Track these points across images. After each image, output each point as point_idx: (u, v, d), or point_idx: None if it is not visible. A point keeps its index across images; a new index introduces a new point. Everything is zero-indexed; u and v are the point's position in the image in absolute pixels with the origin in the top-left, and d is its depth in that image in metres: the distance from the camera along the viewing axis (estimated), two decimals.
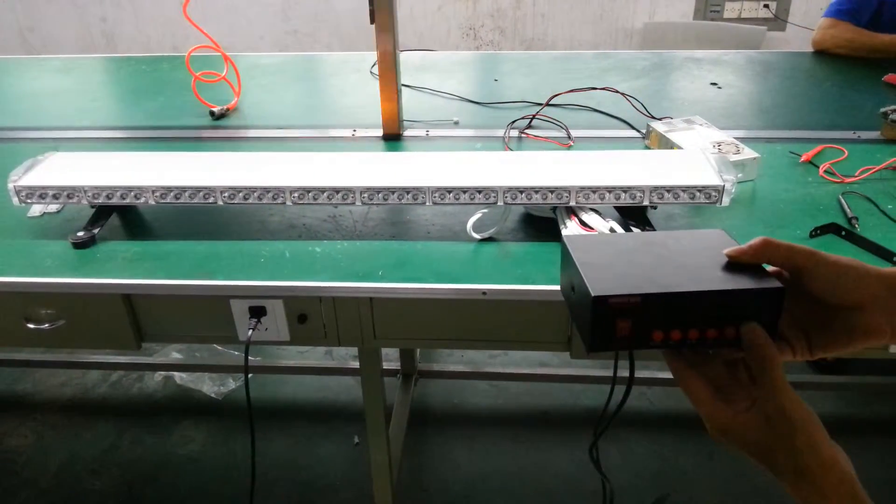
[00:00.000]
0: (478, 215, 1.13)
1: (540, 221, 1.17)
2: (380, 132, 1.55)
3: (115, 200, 1.13)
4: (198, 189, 1.11)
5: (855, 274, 0.56)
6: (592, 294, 0.55)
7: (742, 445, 0.56)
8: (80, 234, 1.13)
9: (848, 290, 0.55)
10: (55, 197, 1.13)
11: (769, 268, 0.59)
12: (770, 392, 0.54)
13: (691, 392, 0.58)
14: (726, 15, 3.23)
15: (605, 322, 0.56)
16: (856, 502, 0.52)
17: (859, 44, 1.99)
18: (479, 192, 1.08)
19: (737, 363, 0.60)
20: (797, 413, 0.53)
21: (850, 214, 1.14)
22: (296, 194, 1.10)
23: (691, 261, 0.59)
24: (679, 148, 1.31)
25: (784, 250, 0.57)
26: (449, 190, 1.08)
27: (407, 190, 1.09)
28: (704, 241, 0.62)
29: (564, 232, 1.07)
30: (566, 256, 0.62)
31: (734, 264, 0.58)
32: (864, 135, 1.47)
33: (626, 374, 0.64)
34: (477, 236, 1.12)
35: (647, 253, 0.61)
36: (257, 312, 1.08)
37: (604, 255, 0.60)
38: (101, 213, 1.18)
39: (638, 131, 1.52)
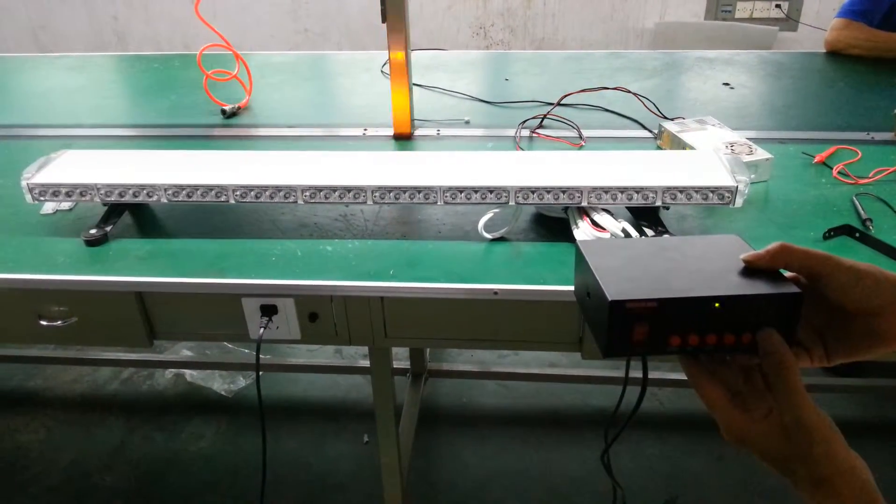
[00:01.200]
0: (489, 215, 1.13)
1: (551, 221, 1.17)
2: (390, 131, 1.55)
3: (128, 198, 1.13)
4: (210, 187, 1.11)
5: (873, 279, 0.55)
6: (609, 298, 0.55)
7: (759, 453, 0.55)
8: (93, 231, 1.14)
9: (866, 295, 0.55)
10: (68, 194, 1.14)
11: (786, 273, 0.58)
12: (787, 400, 0.53)
13: (708, 398, 0.58)
14: (738, 15, 3.22)
15: (622, 326, 0.56)
16: None
17: (872, 44, 1.98)
18: (491, 191, 1.08)
19: (754, 369, 0.59)
20: (814, 422, 0.53)
21: (864, 216, 1.14)
22: (307, 193, 1.11)
23: (707, 266, 0.59)
24: (691, 148, 1.31)
25: (801, 255, 0.56)
26: (460, 189, 1.08)
27: (418, 189, 1.09)
28: (719, 247, 0.62)
29: (578, 235, 1.07)
30: (581, 261, 0.62)
31: (750, 269, 0.58)
32: (878, 136, 1.46)
33: (637, 374, 0.64)
34: (488, 236, 1.12)
35: (662, 258, 0.60)
36: (268, 311, 1.08)
37: (619, 259, 0.60)
38: (114, 211, 1.19)
39: (650, 131, 1.51)
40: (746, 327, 0.56)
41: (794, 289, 0.56)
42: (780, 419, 0.54)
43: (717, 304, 0.55)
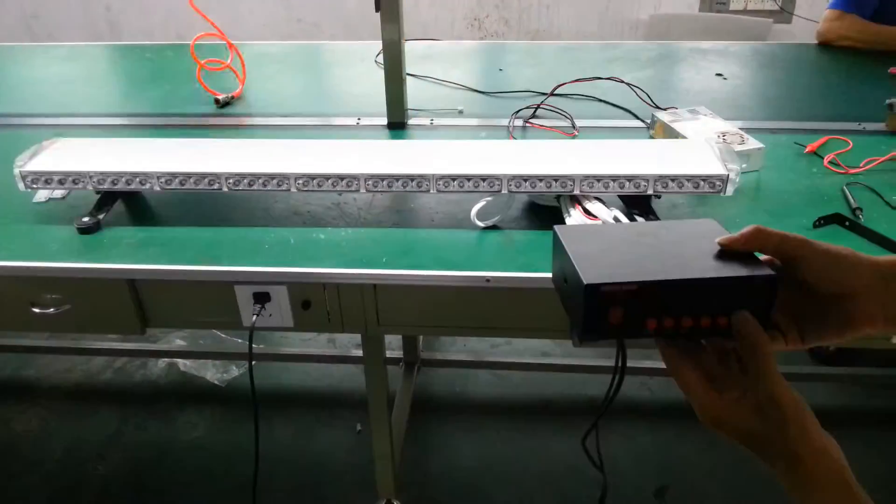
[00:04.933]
0: (482, 203, 1.13)
1: (544, 210, 1.17)
2: (384, 121, 1.55)
3: (121, 186, 1.13)
4: (203, 175, 1.11)
5: (847, 262, 0.55)
6: (585, 282, 0.55)
7: (734, 434, 0.56)
8: (86, 219, 1.14)
9: (840, 278, 0.55)
10: (61, 182, 1.13)
11: (762, 256, 0.59)
12: (761, 381, 0.54)
13: (683, 381, 0.58)
14: (732, 7, 3.22)
15: (598, 310, 0.56)
16: (847, 490, 0.52)
17: (864, 37, 1.97)
18: (484, 179, 1.08)
19: (729, 352, 0.60)
20: (788, 402, 0.53)
21: (854, 205, 1.14)
22: (300, 181, 1.11)
23: (683, 250, 0.59)
24: (684, 138, 1.31)
25: (776, 238, 0.56)
26: (453, 177, 1.09)
27: (411, 177, 1.09)
28: (696, 231, 0.62)
29: (570, 223, 1.07)
30: (558, 246, 0.62)
31: (726, 253, 0.58)
32: (870, 126, 1.47)
33: (630, 363, 0.64)
34: (481, 224, 1.12)
35: (638, 242, 0.61)
36: (261, 298, 1.08)
37: (595, 244, 0.60)
38: (107, 199, 1.19)
39: (643, 121, 1.52)
40: (722, 310, 0.57)
41: (769, 272, 0.56)
42: (755, 400, 0.54)
43: (692, 288, 0.56)
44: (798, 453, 0.52)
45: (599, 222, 1.05)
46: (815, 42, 2.08)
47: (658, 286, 0.55)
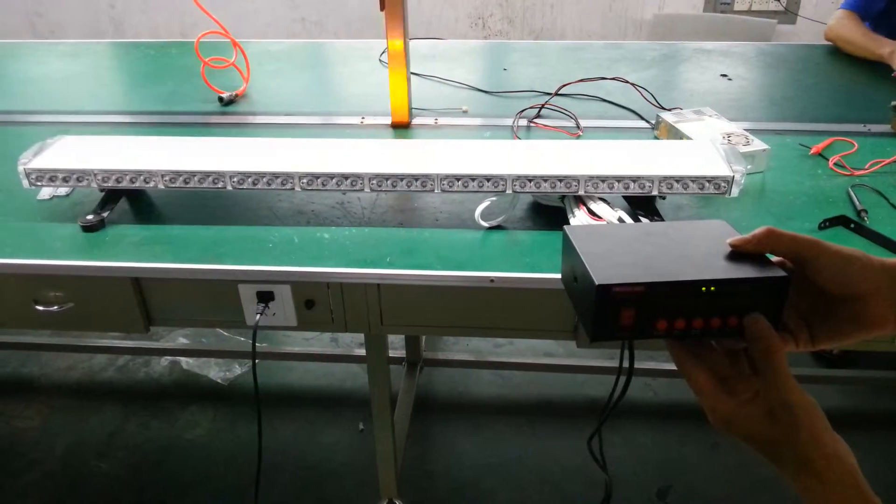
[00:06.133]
0: (486, 203, 1.13)
1: (548, 210, 1.17)
2: (388, 120, 1.54)
3: (125, 184, 1.13)
4: (207, 174, 1.11)
5: (859, 264, 0.55)
6: (596, 282, 0.55)
7: (744, 437, 0.56)
8: (90, 217, 1.13)
9: (851, 280, 0.55)
10: (65, 180, 1.13)
11: (773, 258, 0.58)
12: (773, 383, 0.54)
13: (694, 382, 0.58)
14: (736, 7, 3.21)
15: (609, 311, 0.56)
16: (858, 494, 0.51)
17: (860, 45, 1.93)
18: (488, 179, 1.08)
19: (740, 353, 0.59)
20: (800, 405, 0.53)
21: (859, 207, 1.14)
22: (304, 180, 1.11)
23: (694, 250, 0.59)
24: (688, 139, 1.31)
25: (787, 240, 0.56)
26: (458, 177, 1.08)
27: (416, 177, 1.09)
28: (707, 232, 0.62)
29: (572, 221, 1.07)
30: (568, 246, 0.62)
31: (737, 254, 0.58)
32: (875, 128, 1.47)
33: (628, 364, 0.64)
34: (485, 224, 1.12)
35: (649, 243, 0.61)
36: (265, 297, 1.08)
37: (606, 244, 0.60)
38: (111, 197, 1.19)
39: (647, 122, 1.51)
40: (733, 311, 0.57)
41: (780, 273, 0.56)
42: (767, 402, 0.54)
43: (703, 289, 0.56)
44: (809, 457, 0.52)
45: (605, 223, 1.05)
46: (820, 43, 2.07)
47: (670, 287, 0.55)
